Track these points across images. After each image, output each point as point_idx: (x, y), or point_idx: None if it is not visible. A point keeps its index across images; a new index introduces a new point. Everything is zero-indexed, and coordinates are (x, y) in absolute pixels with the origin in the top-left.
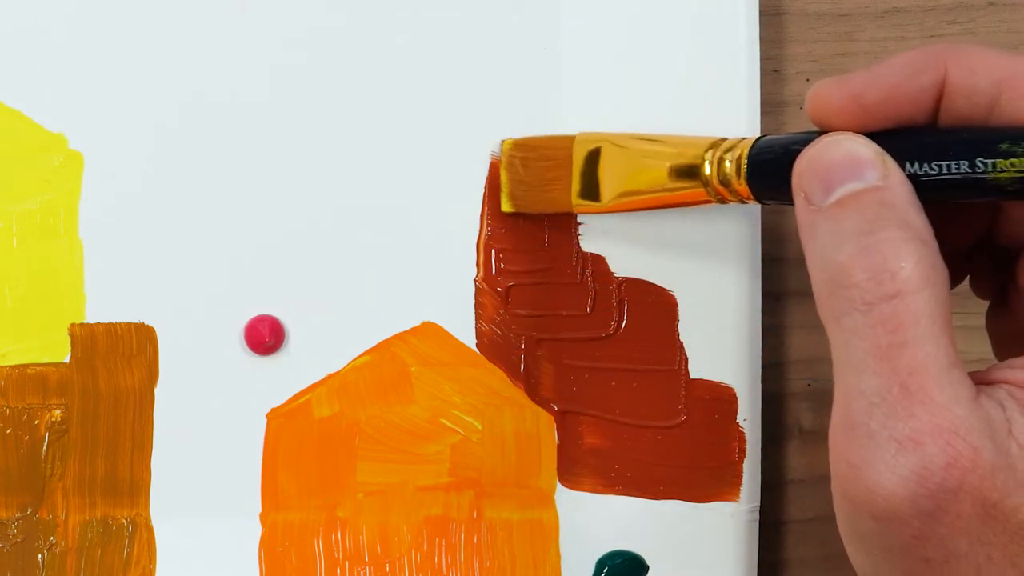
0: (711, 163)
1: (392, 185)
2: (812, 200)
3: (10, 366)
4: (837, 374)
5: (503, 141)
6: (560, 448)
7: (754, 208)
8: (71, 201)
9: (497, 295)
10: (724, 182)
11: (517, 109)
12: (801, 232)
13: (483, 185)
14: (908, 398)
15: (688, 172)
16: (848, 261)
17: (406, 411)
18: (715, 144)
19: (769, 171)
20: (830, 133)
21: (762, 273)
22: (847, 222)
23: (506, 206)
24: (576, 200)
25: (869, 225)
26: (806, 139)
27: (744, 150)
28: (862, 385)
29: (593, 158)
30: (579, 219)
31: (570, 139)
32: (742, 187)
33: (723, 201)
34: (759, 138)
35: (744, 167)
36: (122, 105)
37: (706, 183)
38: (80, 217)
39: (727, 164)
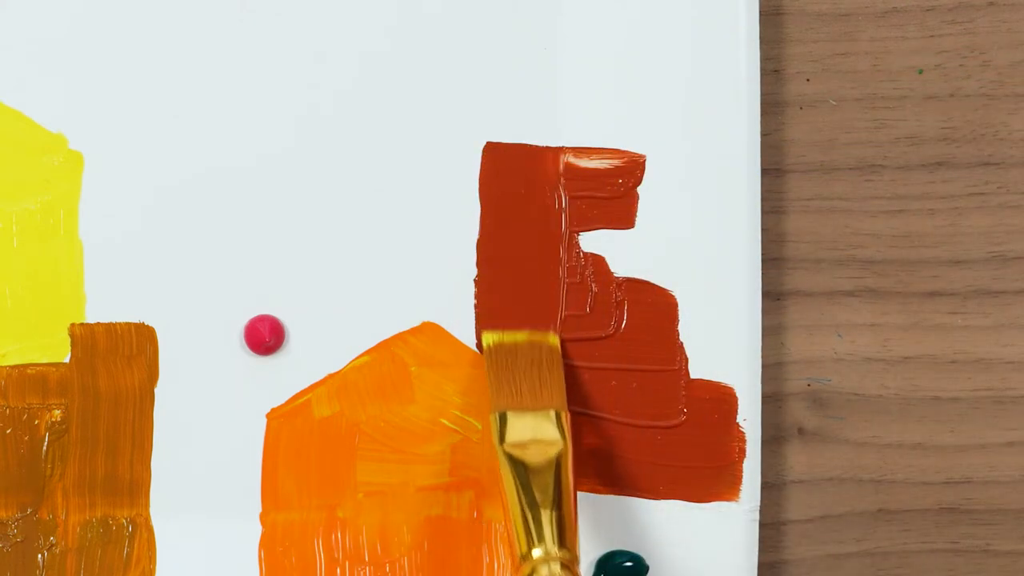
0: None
1: (392, 185)
2: None
3: (10, 366)
4: None
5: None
6: None
7: (754, 208)
8: (71, 201)
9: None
10: None
11: (517, 109)
12: None
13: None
14: None
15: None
16: None
17: (406, 411)
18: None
19: None
20: None
21: (762, 273)
22: None
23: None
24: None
25: None
26: None
27: None
28: None
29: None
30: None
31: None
32: None
33: None
34: None
35: None
36: (122, 105)
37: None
38: (80, 217)
39: None
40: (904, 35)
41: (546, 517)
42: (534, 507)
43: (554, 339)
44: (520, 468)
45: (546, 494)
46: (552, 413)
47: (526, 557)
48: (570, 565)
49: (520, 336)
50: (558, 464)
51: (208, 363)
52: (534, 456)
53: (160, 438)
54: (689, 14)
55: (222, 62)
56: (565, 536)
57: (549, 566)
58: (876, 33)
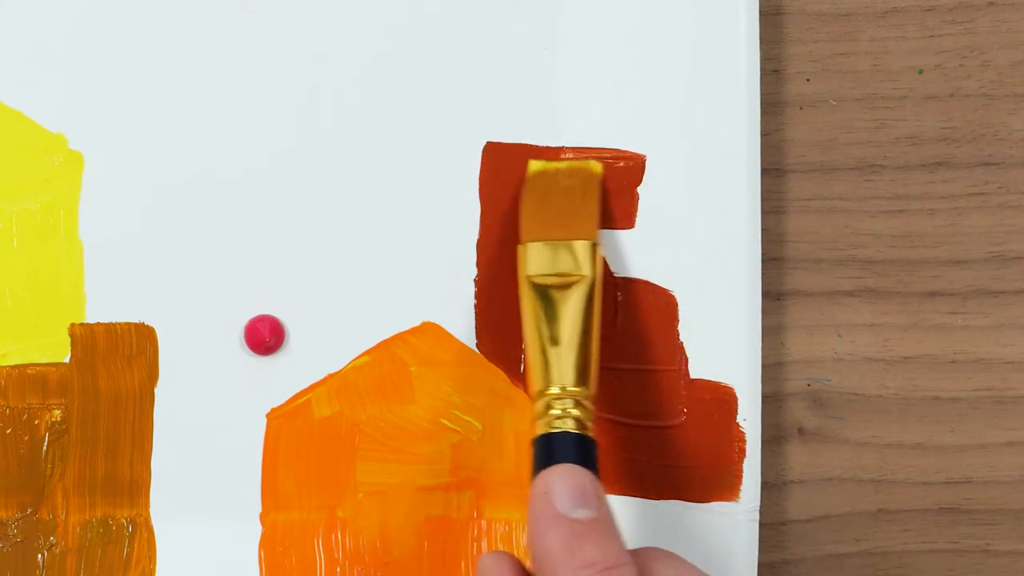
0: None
1: (392, 185)
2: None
3: (10, 366)
4: None
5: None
6: None
7: (754, 208)
8: (71, 201)
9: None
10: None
11: (516, 109)
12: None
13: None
14: None
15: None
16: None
17: (406, 411)
18: (549, 400)
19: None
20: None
21: (762, 273)
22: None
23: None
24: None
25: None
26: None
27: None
28: None
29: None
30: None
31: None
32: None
33: None
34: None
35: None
36: (122, 105)
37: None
38: (80, 217)
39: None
40: (904, 35)
41: (565, 352)
42: (554, 342)
43: (596, 166)
44: (544, 301)
45: (567, 328)
46: (582, 244)
47: (542, 393)
48: (585, 402)
49: (562, 164)
50: (583, 298)
51: (208, 363)
52: (557, 289)
53: (160, 438)
54: (689, 14)
55: (222, 62)
56: (585, 372)
57: (564, 402)
58: (876, 33)
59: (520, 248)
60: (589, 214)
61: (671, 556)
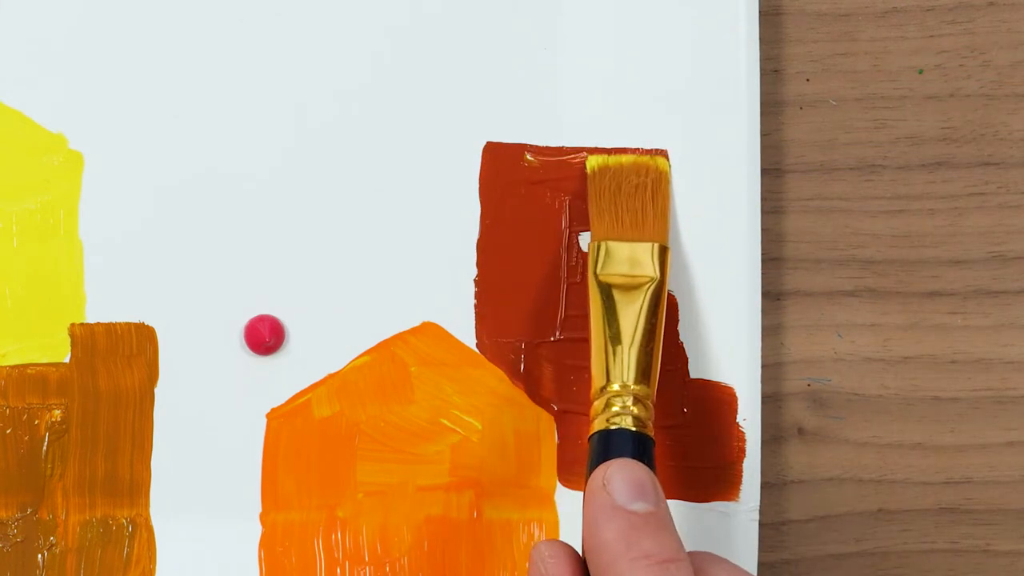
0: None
1: (391, 185)
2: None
3: (10, 366)
4: None
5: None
6: (560, 448)
7: (754, 208)
8: (71, 201)
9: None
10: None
11: (516, 109)
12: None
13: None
14: None
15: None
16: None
17: (406, 411)
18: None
19: (601, 446)
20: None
21: (762, 273)
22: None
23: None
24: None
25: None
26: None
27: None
28: None
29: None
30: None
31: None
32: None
33: None
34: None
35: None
36: (122, 105)
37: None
38: (80, 217)
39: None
40: (904, 35)
41: (629, 351)
42: (617, 341)
43: (664, 163)
44: (609, 300)
45: (631, 329)
46: (651, 246)
47: (603, 390)
48: (644, 401)
49: (625, 159)
50: (651, 299)
51: (208, 363)
52: (625, 289)
53: (160, 438)
54: (689, 14)
55: (222, 62)
56: (647, 372)
57: (623, 399)
58: (876, 33)
59: (591, 246)
60: (660, 215)
61: (726, 561)
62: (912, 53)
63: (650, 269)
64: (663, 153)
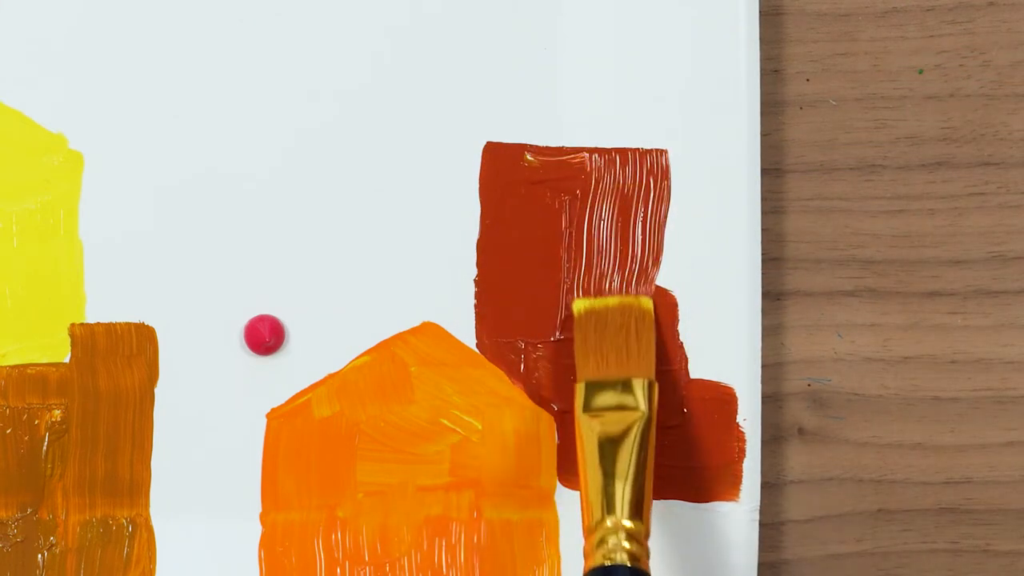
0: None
1: (392, 185)
2: None
3: (10, 366)
4: None
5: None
6: (560, 448)
7: (754, 208)
8: (71, 201)
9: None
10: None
11: (516, 109)
12: None
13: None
14: None
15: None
16: None
17: (406, 411)
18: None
19: None
20: None
21: (762, 273)
22: None
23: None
24: None
25: None
26: None
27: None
28: None
29: None
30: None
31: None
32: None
33: None
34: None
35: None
36: (122, 105)
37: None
38: (80, 217)
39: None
40: (904, 35)
41: (620, 487)
42: (609, 477)
43: (647, 303)
44: (599, 437)
45: (623, 464)
46: (639, 381)
47: (597, 525)
48: (639, 537)
49: (611, 301)
50: (639, 434)
51: (208, 363)
52: (614, 425)
53: (160, 438)
54: (689, 14)
55: (222, 62)
56: (639, 508)
57: (618, 535)
58: (876, 33)
59: (577, 386)
60: (645, 351)
61: None
62: (912, 53)
63: (638, 404)
64: (656, 292)
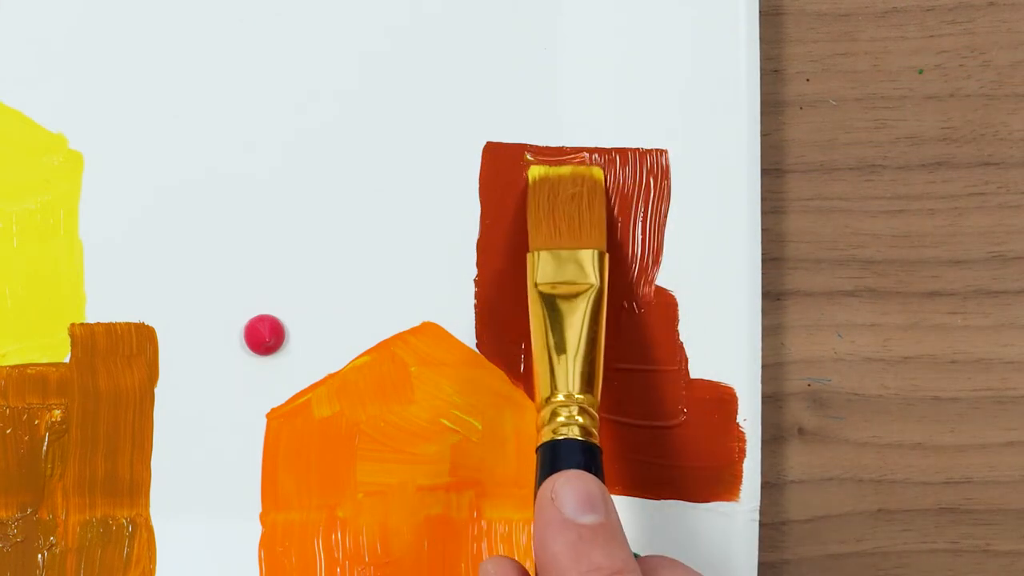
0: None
1: (391, 185)
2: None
3: (10, 366)
4: None
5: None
6: None
7: (754, 208)
8: (71, 201)
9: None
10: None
11: (516, 109)
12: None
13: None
14: None
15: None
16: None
17: (406, 411)
18: (553, 408)
19: (549, 457)
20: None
21: (762, 273)
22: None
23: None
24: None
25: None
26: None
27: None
28: None
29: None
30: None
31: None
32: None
33: None
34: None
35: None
36: (122, 105)
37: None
38: (80, 217)
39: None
40: (904, 35)
41: (572, 360)
42: (561, 349)
43: (598, 173)
44: (550, 309)
45: (574, 337)
46: (590, 252)
47: (549, 400)
48: (590, 409)
49: (564, 170)
50: (591, 307)
51: (208, 363)
52: (565, 297)
53: (160, 438)
54: (689, 14)
55: (222, 62)
56: (591, 380)
57: (570, 409)
58: (876, 33)
59: (529, 256)
60: (597, 222)
61: (676, 564)
62: (912, 53)
63: (589, 276)
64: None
